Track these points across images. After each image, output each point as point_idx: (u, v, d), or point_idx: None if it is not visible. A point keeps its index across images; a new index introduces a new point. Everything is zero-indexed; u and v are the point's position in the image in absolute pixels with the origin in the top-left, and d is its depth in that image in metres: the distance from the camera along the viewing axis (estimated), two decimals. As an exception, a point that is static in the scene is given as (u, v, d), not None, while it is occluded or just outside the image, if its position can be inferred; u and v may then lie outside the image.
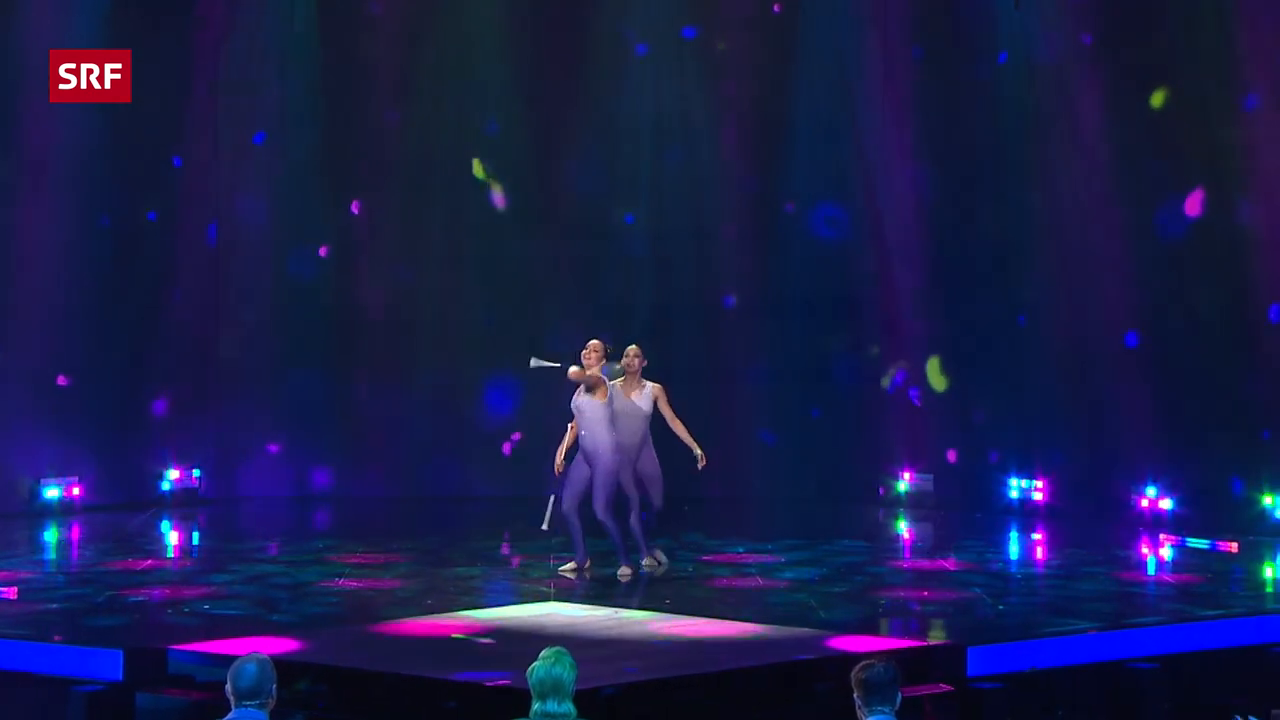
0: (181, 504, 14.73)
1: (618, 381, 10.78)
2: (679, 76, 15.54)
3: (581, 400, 10.54)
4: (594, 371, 10.48)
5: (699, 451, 10.78)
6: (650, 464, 10.95)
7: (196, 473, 15.00)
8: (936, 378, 14.81)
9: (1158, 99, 13.46)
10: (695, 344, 15.27)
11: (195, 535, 13.91)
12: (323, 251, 15.57)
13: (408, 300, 15.58)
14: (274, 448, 15.44)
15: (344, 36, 15.39)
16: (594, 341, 10.58)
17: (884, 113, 14.90)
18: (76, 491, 14.21)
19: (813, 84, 15.21)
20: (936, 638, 9.14)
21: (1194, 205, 13.29)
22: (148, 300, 14.68)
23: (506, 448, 15.65)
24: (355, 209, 15.50)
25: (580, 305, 15.26)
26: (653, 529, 11.13)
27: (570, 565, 10.91)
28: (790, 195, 15.39)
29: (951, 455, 14.71)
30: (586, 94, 15.51)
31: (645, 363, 10.94)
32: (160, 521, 14.04)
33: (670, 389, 11.01)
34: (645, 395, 10.87)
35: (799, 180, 15.34)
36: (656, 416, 10.90)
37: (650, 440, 10.94)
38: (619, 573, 10.71)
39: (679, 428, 10.94)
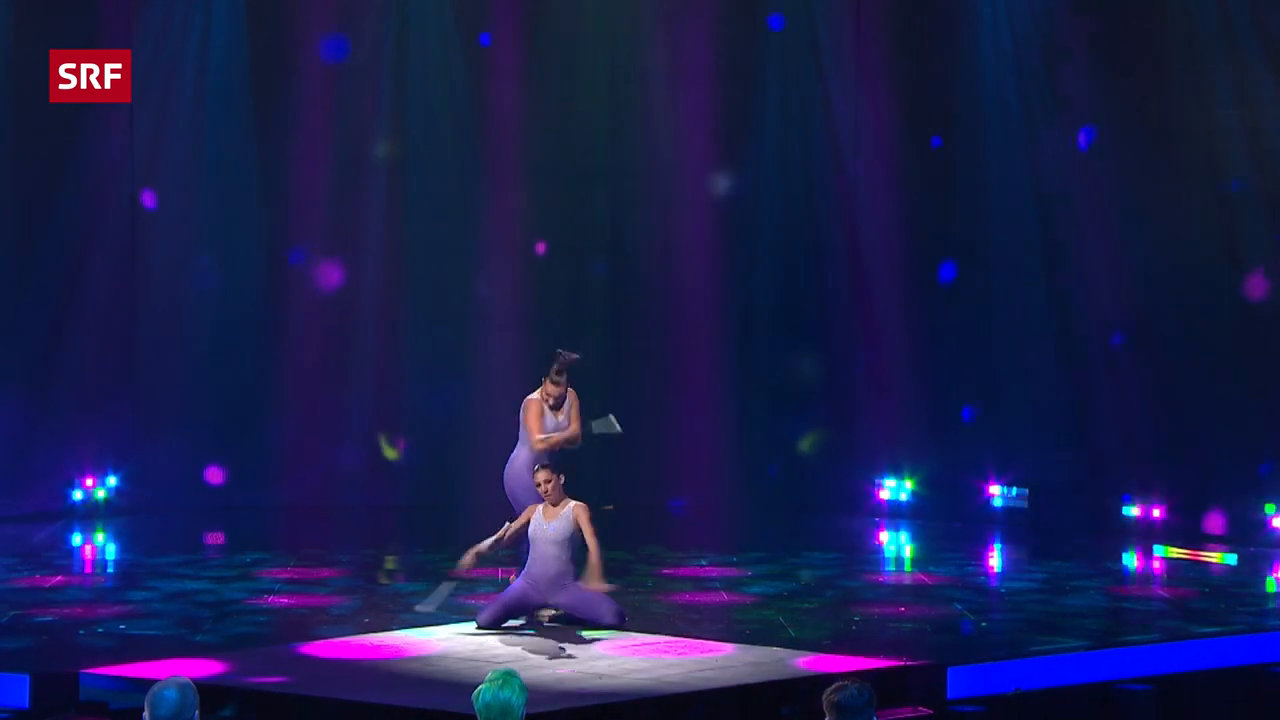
0: (94, 515, 14.63)
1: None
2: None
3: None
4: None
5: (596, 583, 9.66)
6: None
7: (112, 480, 14.91)
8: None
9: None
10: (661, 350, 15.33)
11: (110, 548, 13.82)
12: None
13: (340, 298, 15.48)
14: (197, 454, 15.30)
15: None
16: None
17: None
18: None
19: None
20: (914, 657, 9.20)
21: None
22: (57, 296, 14.59)
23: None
24: None
25: (534, 315, 15.26)
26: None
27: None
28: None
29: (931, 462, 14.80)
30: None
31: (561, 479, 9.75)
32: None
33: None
34: (564, 518, 9.73)
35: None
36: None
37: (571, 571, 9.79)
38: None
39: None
